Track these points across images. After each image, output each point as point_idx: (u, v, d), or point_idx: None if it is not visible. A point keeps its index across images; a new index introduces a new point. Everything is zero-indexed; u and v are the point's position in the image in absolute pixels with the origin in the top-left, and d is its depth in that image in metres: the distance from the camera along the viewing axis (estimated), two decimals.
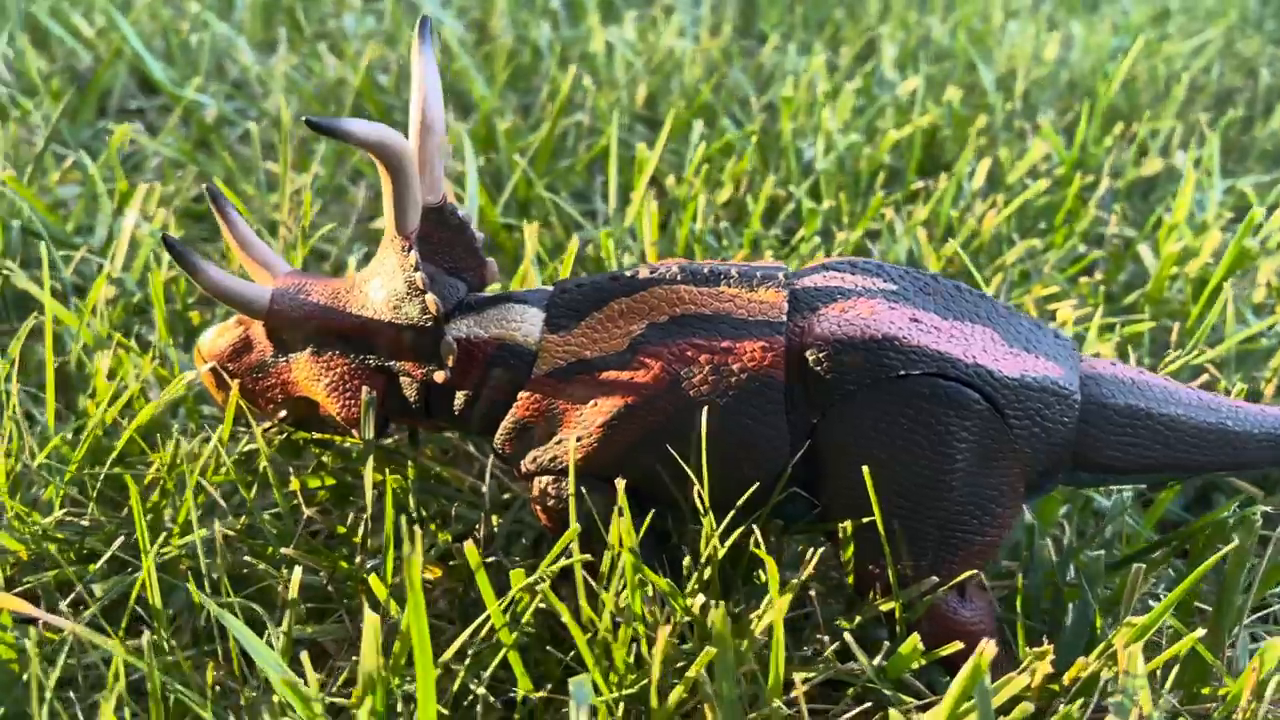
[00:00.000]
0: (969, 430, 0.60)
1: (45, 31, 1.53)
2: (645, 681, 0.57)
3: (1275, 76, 1.44)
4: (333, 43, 1.61)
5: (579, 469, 0.64)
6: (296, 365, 0.68)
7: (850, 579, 0.63)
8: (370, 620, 0.48)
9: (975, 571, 0.61)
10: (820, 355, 0.60)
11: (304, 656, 0.51)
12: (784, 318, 0.61)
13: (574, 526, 0.58)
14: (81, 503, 0.70)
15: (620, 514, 0.59)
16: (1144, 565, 0.64)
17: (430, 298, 0.63)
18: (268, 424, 0.73)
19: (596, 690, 0.57)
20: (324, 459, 0.73)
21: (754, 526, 0.62)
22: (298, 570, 0.56)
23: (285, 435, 0.72)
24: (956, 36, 1.48)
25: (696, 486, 0.62)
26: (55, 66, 1.43)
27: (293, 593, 0.57)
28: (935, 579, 0.61)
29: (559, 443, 0.64)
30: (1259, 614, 0.70)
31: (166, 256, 0.86)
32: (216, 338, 0.71)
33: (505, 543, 0.74)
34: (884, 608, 0.62)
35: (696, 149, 1.00)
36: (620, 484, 0.61)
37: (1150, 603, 0.71)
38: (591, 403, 0.63)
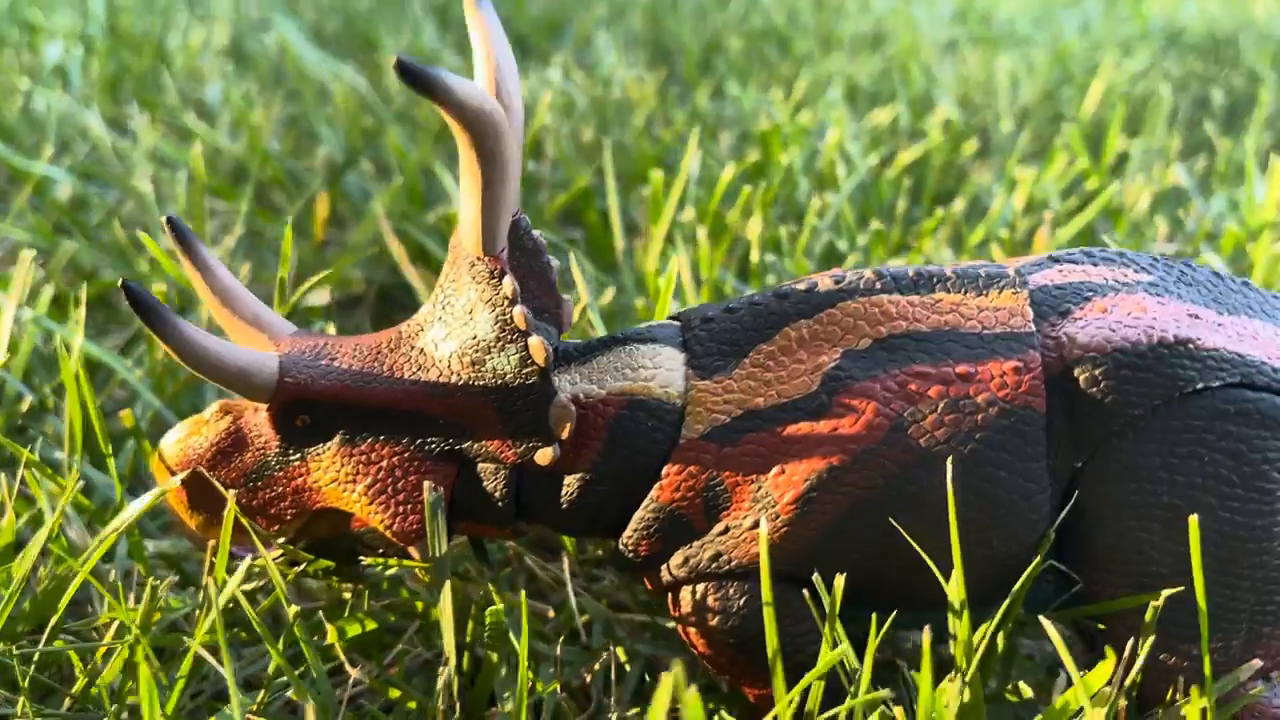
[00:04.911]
0: None
1: None
2: None
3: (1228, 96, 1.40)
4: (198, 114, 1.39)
5: (754, 565, 0.45)
6: (318, 464, 0.48)
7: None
8: None
9: None
10: (1096, 371, 0.44)
11: None
12: (1032, 327, 0.45)
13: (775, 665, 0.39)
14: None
15: (828, 628, 0.41)
16: None
17: (536, 341, 0.44)
18: (275, 551, 0.51)
19: None
20: (357, 590, 0.51)
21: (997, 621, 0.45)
22: None
23: (302, 567, 0.51)
24: (907, 71, 1.38)
25: (943, 573, 0.44)
26: None
27: None
28: (1257, 663, 0.45)
29: (724, 533, 0.46)
30: None
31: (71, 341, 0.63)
32: (187, 437, 0.49)
33: (604, 682, 0.53)
34: (1191, 712, 0.45)
35: (719, 177, 0.84)
36: (840, 581, 0.43)
37: None
38: (776, 470, 0.44)
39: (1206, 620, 0.44)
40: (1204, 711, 0.46)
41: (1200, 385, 0.44)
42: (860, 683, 0.40)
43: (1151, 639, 0.45)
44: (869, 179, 0.92)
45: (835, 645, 0.43)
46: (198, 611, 0.52)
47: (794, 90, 1.27)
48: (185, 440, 0.49)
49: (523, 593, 0.45)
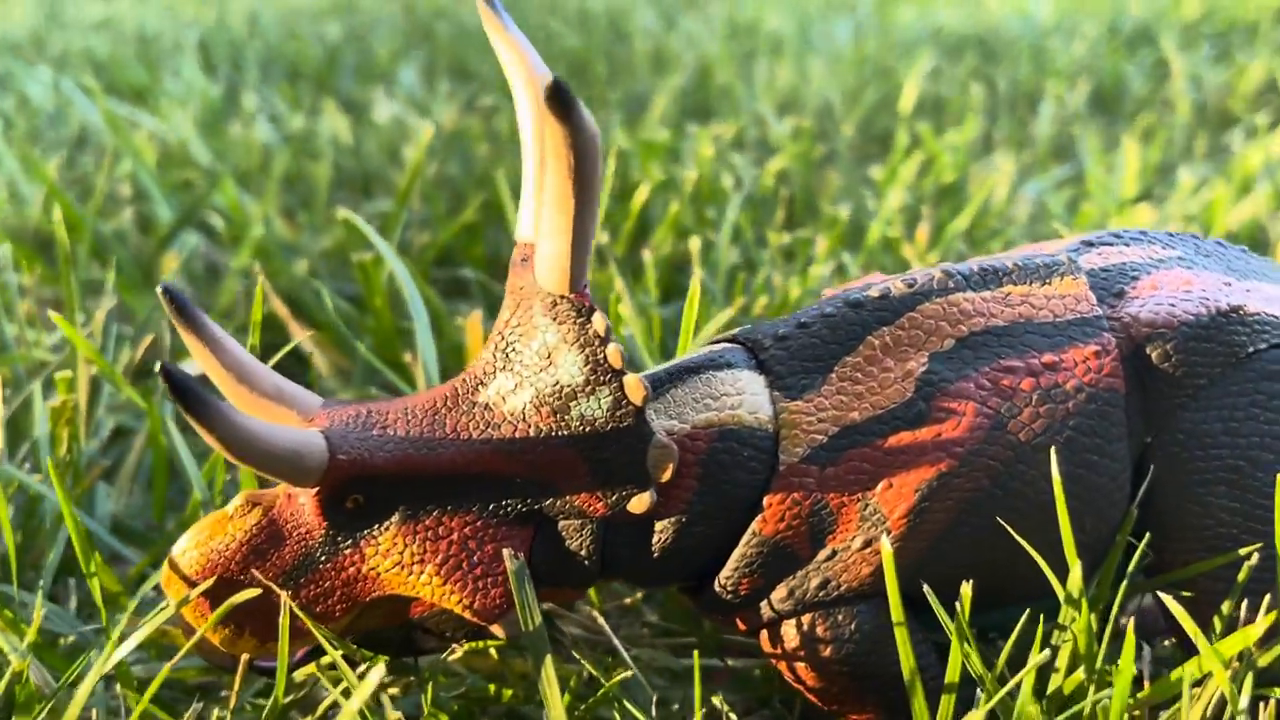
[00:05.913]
0: None
1: None
2: None
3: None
4: None
5: (866, 588, 0.44)
6: (374, 549, 0.42)
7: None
8: None
9: None
10: (1168, 346, 0.45)
11: None
12: (1098, 310, 0.46)
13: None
14: None
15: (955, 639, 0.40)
16: None
17: (633, 380, 0.41)
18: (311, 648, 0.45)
19: None
20: (409, 683, 0.46)
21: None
22: None
23: (363, 669, 0.45)
24: (729, 86, 1.40)
25: (1044, 565, 0.43)
26: None
27: None
28: None
29: (831, 558, 0.44)
30: None
31: None
32: (209, 540, 0.42)
33: None
34: (1265, 661, 0.47)
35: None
36: (968, 590, 0.42)
37: None
38: (883, 484, 0.43)
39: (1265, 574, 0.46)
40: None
41: (1251, 350, 0.46)
42: (1021, 693, 0.39)
43: (1265, 600, 0.46)
44: (753, 189, 0.93)
45: (965, 657, 0.42)
46: None
47: (652, 108, 1.26)
48: (207, 544, 0.42)
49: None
